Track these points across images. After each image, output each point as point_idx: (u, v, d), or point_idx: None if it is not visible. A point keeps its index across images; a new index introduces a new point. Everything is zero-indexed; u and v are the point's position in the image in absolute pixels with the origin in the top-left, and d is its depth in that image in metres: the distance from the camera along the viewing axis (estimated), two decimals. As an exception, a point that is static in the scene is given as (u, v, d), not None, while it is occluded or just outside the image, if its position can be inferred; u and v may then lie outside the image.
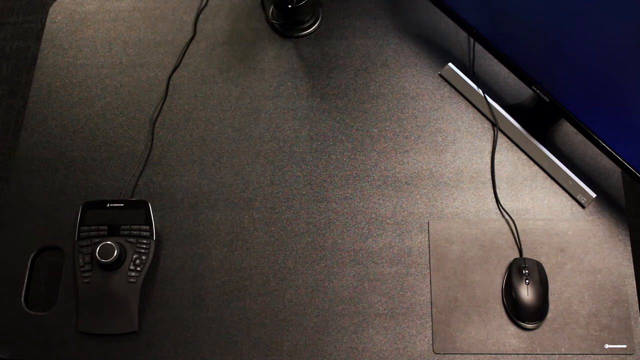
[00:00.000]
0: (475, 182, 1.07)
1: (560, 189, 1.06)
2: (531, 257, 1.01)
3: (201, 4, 1.23)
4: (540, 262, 1.00)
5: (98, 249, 0.97)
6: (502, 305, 0.98)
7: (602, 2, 0.82)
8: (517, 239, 1.02)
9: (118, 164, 1.10)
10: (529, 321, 0.96)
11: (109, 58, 1.19)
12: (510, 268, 0.99)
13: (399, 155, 1.09)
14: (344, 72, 1.16)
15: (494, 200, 1.05)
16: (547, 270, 0.99)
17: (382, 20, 1.20)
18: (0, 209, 1.10)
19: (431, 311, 0.99)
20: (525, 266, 0.98)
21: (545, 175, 1.07)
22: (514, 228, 1.03)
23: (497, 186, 1.06)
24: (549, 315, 0.97)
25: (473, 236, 1.03)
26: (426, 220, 1.04)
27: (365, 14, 1.21)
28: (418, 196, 1.06)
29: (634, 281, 0.99)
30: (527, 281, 0.97)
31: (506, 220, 1.04)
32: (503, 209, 1.04)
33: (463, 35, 1.17)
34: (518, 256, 1.01)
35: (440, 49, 1.17)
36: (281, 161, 1.09)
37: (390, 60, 1.16)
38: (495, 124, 1.10)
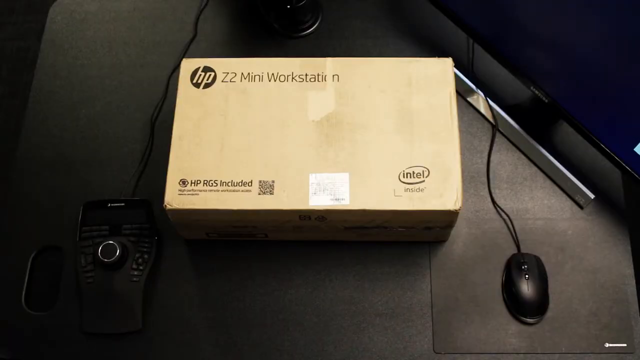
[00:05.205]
0: (475, 182, 1.07)
1: (560, 189, 1.06)
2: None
3: (201, 4, 1.23)
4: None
5: (100, 248, 0.97)
6: (502, 305, 0.99)
7: (601, 3, 0.82)
8: (514, 235, 1.02)
9: (118, 163, 1.10)
10: (531, 316, 0.96)
11: (109, 58, 1.19)
12: (509, 264, 0.99)
13: (399, 155, 1.09)
14: (344, 72, 1.15)
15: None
16: (547, 269, 0.99)
17: (382, 20, 1.20)
18: (0, 209, 1.10)
19: (431, 311, 0.99)
20: (524, 261, 0.98)
21: (545, 175, 1.07)
22: (510, 224, 1.03)
23: (496, 186, 1.06)
24: (550, 314, 0.98)
25: (473, 236, 1.03)
26: (426, 220, 1.04)
27: (365, 14, 1.21)
28: (418, 196, 1.06)
29: (634, 281, 0.99)
30: (526, 276, 0.97)
31: (504, 219, 1.04)
32: (498, 206, 1.04)
33: (463, 35, 1.17)
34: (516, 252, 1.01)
35: (440, 49, 1.17)
36: (281, 161, 1.09)
37: (390, 61, 1.16)
38: (494, 124, 1.10)
